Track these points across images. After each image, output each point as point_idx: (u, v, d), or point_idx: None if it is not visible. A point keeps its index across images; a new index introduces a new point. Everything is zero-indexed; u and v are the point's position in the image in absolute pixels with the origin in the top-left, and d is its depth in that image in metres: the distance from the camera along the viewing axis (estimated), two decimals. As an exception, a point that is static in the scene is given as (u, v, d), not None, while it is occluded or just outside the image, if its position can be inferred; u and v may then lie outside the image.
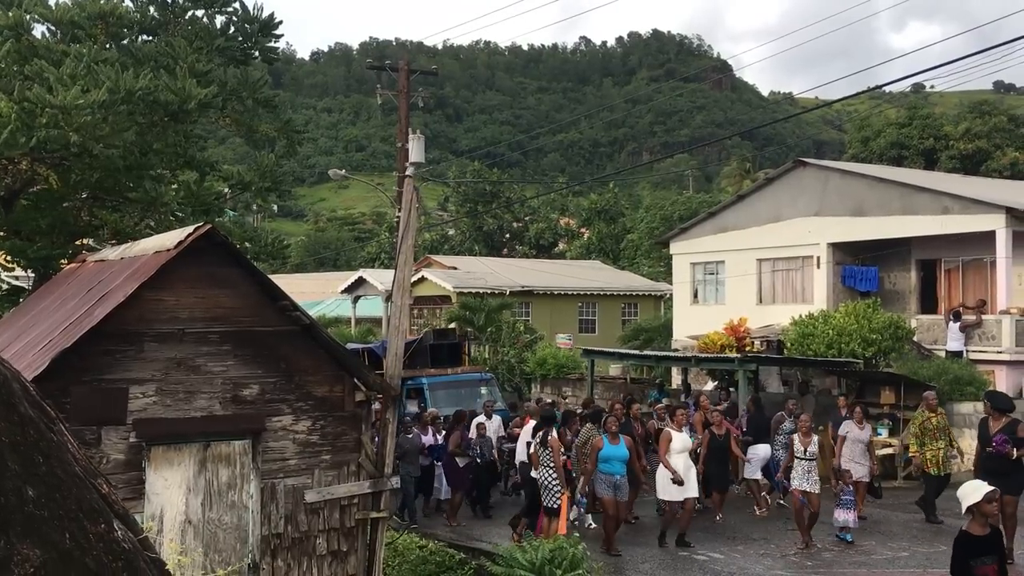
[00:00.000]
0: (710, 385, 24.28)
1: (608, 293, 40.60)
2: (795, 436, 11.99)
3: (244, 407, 7.82)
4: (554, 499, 11.42)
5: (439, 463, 14.52)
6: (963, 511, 5.99)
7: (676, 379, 26.99)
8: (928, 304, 25.04)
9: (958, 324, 21.05)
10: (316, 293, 47.73)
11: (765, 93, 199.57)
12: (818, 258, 26.17)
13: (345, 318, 42.79)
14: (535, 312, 38.72)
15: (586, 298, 40.40)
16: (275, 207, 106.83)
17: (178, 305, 7.58)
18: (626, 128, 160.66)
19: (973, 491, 5.96)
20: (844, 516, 11.55)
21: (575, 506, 12.36)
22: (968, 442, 18.38)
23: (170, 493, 7.48)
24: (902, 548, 11.37)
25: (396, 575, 11.68)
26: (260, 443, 7.87)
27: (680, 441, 11.72)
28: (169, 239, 7.89)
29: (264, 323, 7.93)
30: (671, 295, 33.83)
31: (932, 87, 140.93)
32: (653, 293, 41.93)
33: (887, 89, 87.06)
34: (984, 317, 21.80)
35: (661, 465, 11.65)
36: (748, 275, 27.97)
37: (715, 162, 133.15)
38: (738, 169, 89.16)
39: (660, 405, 15.71)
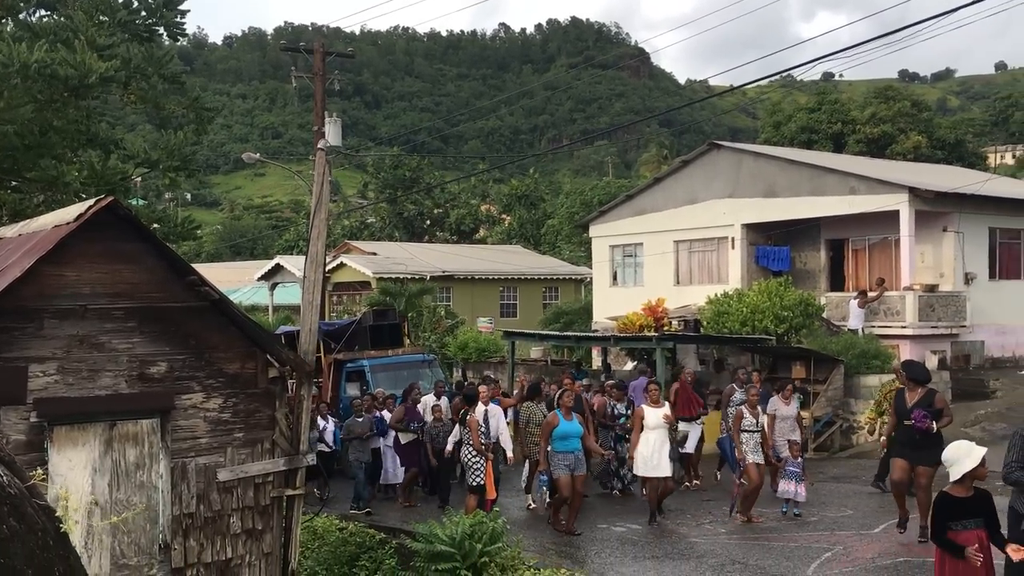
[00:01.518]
0: (629, 365, 24.60)
1: (529, 277, 40.77)
2: (743, 408, 11.67)
3: (152, 385, 7.61)
4: (476, 477, 11.42)
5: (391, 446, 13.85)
6: (953, 477, 5.56)
7: (597, 360, 27.26)
8: (837, 282, 25.79)
9: (857, 302, 21.79)
10: (232, 281, 46.73)
11: (682, 81, 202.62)
12: (733, 239, 26.69)
13: (263, 306, 42.05)
14: (456, 297, 38.67)
15: (507, 282, 40.50)
16: (188, 195, 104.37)
17: (80, 281, 7.32)
18: (546, 115, 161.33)
19: (967, 455, 5.50)
20: (791, 488, 11.26)
21: (542, 487, 12.08)
22: (873, 414, 19.09)
23: (75, 474, 7.24)
24: (845, 510, 11.50)
25: (316, 558, 11.57)
26: (169, 421, 7.67)
27: (654, 417, 11.26)
28: (69, 213, 7.60)
29: (171, 299, 7.71)
30: (591, 278, 34.13)
31: (841, 75, 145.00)
32: (574, 277, 42.27)
33: (799, 78, 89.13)
34: (888, 293, 22.56)
35: (642, 442, 11.17)
36: (666, 257, 28.38)
37: (634, 149, 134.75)
38: (656, 155, 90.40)
39: (610, 383, 15.30)
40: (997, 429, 18.27)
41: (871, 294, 22.34)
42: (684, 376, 15.65)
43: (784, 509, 11.30)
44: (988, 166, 61.19)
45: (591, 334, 25.19)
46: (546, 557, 9.73)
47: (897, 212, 22.56)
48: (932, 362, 21.66)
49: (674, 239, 28.20)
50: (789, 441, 11.62)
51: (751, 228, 26.34)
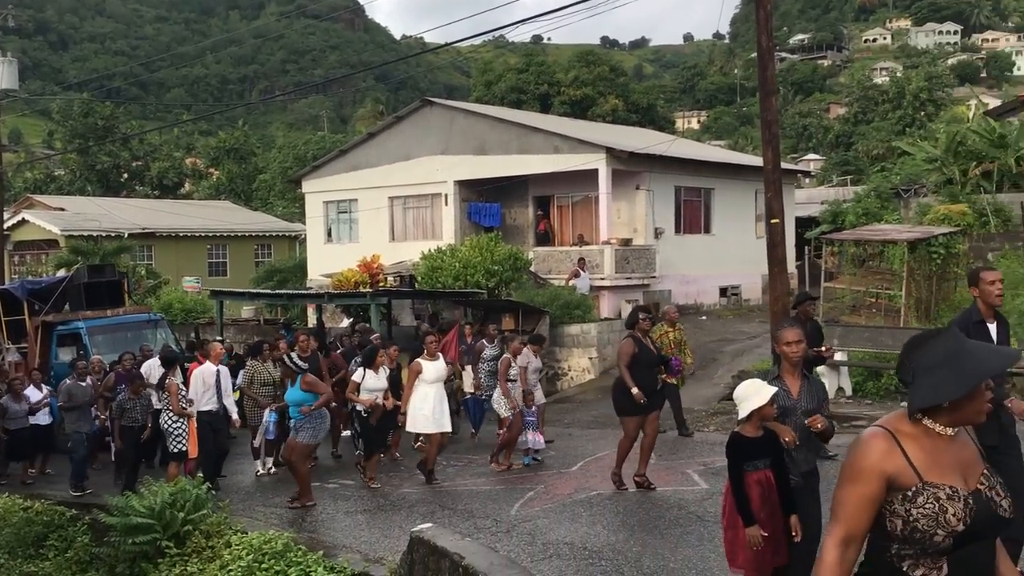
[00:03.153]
0: (345, 322, 24.41)
1: (239, 234, 39.19)
2: (509, 357, 11.73)
3: None
4: (178, 443, 10.82)
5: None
6: (742, 415, 5.28)
7: (312, 318, 26.81)
8: (543, 237, 27.07)
9: (575, 272, 22.95)
10: None
11: (397, 36, 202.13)
12: (446, 195, 27.15)
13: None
14: (159, 255, 36.38)
15: (216, 240, 38.69)
16: None
17: None
18: (256, 65, 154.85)
19: (756, 393, 5.21)
20: (531, 437, 11.40)
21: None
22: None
23: None
24: (549, 451, 11.96)
25: (-3, 542, 10.52)
26: None
27: (434, 371, 10.75)
28: None
29: None
30: (305, 235, 33.40)
31: (549, 39, 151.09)
32: (287, 234, 41.18)
33: (510, 39, 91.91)
34: (588, 248, 24.03)
35: (414, 398, 10.64)
36: (381, 213, 28.34)
37: (350, 104, 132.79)
38: (372, 111, 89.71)
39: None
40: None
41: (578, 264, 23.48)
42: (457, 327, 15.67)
43: (527, 460, 11.37)
44: (677, 130, 66.71)
45: (304, 291, 24.70)
46: (256, 521, 9.47)
47: (596, 171, 23.98)
48: (627, 311, 23.38)
49: (389, 195, 28.22)
50: (524, 392, 11.63)
51: (464, 185, 26.91)
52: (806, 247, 26.56)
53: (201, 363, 11.38)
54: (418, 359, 10.91)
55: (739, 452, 5.25)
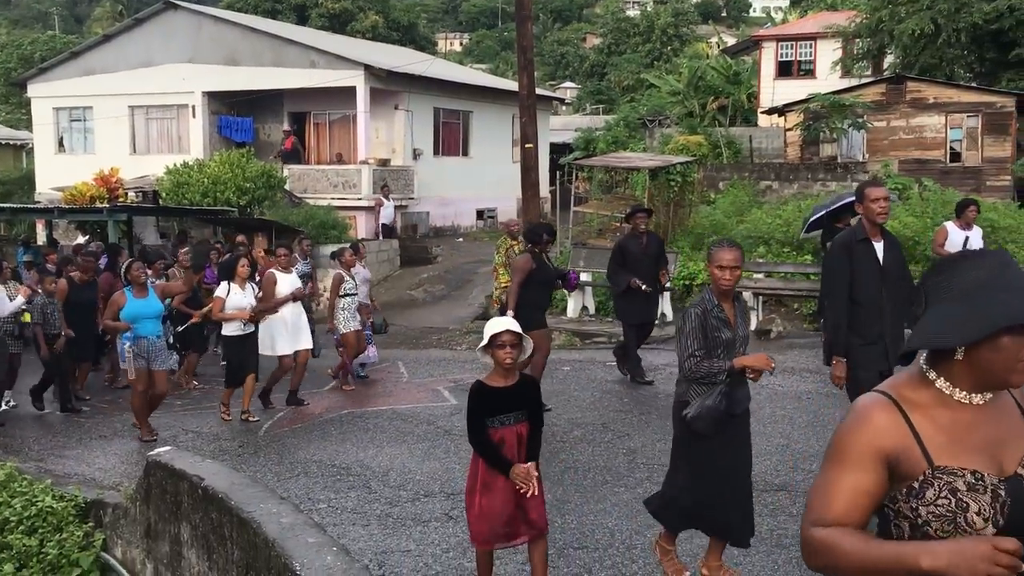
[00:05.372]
0: (81, 239, 22.69)
1: (-50, 141, 35.08)
2: (341, 272, 10.67)
3: None
4: None
5: None
6: (480, 350, 4.48)
7: (42, 235, 24.68)
8: (290, 155, 26.27)
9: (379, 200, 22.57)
10: None
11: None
12: (193, 107, 25.65)
13: None
14: None
15: (-76, 146, 34.47)
16: None
17: None
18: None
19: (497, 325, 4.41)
20: (371, 352, 11.19)
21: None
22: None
23: None
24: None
25: None
26: None
27: (288, 284, 9.78)
28: None
29: None
30: (33, 144, 30.46)
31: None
32: (12, 142, 37.34)
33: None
34: (345, 167, 23.67)
35: (269, 318, 9.60)
36: (120, 122, 26.34)
37: (85, 2, 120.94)
38: (111, 11, 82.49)
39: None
40: (437, 290, 20.51)
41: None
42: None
43: (361, 373, 11.15)
44: (438, 51, 66.35)
45: (32, 206, 22.65)
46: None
47: (354, 89, 23.48)
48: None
49: (129, 104, 26.28)
50: (361, 304, 11.02)
51: (213, 97, 25.52)
52: (559, 172, 27.60)
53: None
54: (271, 270, 9.96)
55: (480, 405, 4.37)
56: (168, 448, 7.02)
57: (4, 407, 10.45)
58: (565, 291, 10.84)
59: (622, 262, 9.93)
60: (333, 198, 22.95)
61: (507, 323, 4.42)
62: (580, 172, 25.34)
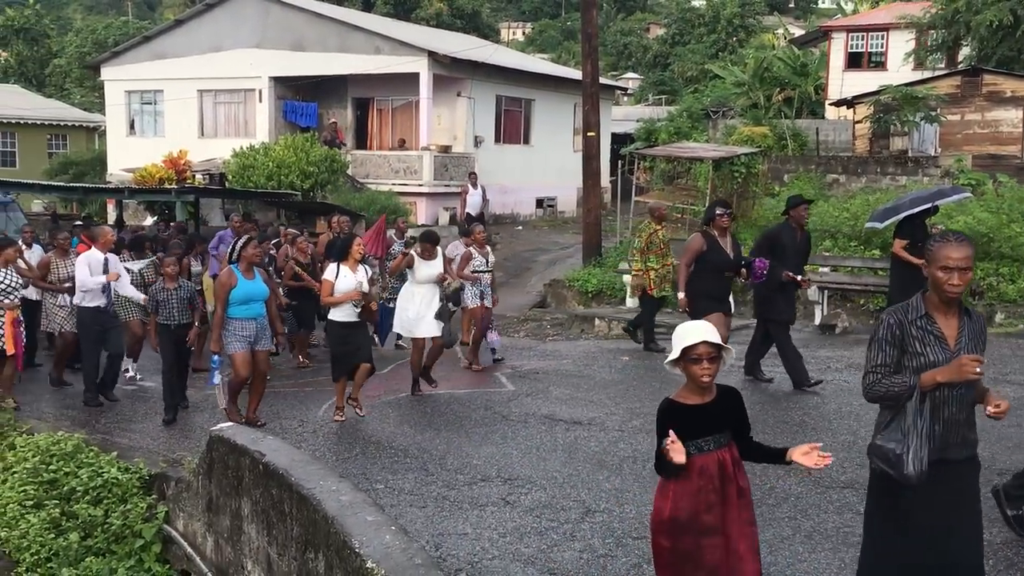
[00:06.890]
0: (150, 220, 23.19)
1: (31, 122, 36.06)
2: (472, 249, 10.68)
3: None
4: None
5: None
6: (670, 363, 3.66)
7: (113, 215, 25.30)
8: (362, 140, 26.49)
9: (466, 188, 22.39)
10: None
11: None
12: (260, 92, 25.99)
13: None
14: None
15: (2, 127, 35.50)
16: None
17: None
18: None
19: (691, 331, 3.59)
20: (494, 337, 11.19)
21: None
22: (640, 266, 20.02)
23: None
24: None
25: None
26: None
27: (427, 271, 9.36)
28: None
29: None
30: (105, 127, 31.20)
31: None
32: (85, 124, 38.27)
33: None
34: (407, 153, 23.76)
35: (407, 297, 9.34)
36: (189, 106, 26.81)
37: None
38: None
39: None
40: (496, 277, 20.48)
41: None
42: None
43: (497, 357, 11.20)
44: (501, 40, 66.33)
45: (103, 186, 23.19)
46: (45, 424, 8.95)
47: (418, 75, 23.55)
48: (444, 218, 23.43)
49: (198, 88, 26.72)
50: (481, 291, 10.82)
51: (279, 82, 25.83)
52: (620, 162, 27.36)
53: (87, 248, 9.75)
54: (412, 253, 9.48)
55: (672, 424, 3.50)
56: (230, 424, 7.12)
57: (129, 375, 10.64)
58: (739, 280, 9.05)
59: (775, 254, 8.69)
60: (394, 183, 23.10)
61: (703, 332, 3.56)
62: (642, 162, 25.11)
